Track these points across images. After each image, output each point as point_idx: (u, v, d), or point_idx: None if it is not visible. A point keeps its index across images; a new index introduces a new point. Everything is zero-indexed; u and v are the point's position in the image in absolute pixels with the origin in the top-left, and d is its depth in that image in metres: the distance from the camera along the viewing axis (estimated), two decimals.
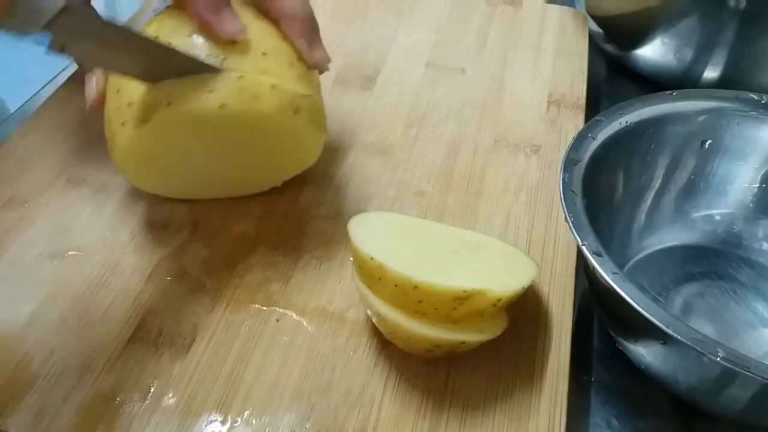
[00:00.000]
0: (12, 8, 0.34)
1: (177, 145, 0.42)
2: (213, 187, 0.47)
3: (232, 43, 0.40)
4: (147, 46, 0.39)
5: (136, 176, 0.44)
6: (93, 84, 0.43)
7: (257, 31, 0.42)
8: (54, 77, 0.61)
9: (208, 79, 0.39)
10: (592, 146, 0.42)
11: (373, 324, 0.40)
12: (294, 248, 0.45)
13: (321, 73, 0.44)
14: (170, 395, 0.38)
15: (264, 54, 0.41)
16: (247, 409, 0.37)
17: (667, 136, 0.46)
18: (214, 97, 0.39)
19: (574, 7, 0.68)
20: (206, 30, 0.40)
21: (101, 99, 0.43)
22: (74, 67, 0.58)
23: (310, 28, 0.43)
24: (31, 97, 0.60)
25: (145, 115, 0.40)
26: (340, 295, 0.43)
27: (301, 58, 0.43)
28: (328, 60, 0.44)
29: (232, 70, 0.40)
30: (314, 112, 0.43)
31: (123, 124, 0.40)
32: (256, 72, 0.40)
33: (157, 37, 0.40)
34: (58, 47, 0.36)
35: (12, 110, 0.60)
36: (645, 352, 0.38)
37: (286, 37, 0.43)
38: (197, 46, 0.40)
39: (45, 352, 0.39)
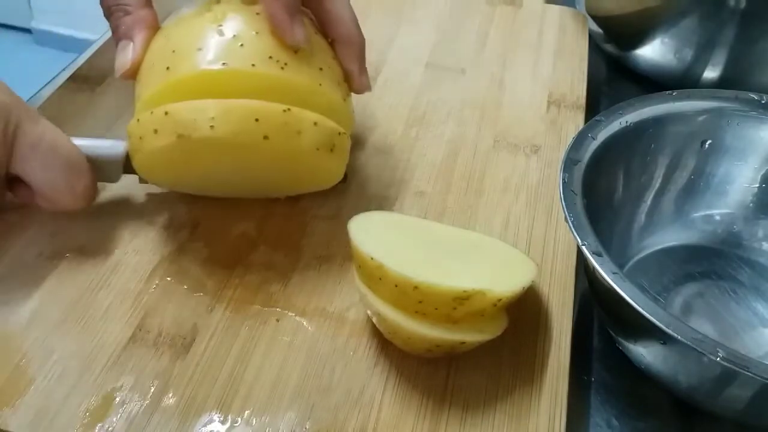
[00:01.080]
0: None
1: (206, 161, 0.42)
2: (224, 191, 0.47)
3: (294, 51, 0.41)
4: None
5: (151, 175, 0.44)
6: (129, 52, 0.42)
7: (315, 45, 0.42)
8: (54, 77, 0.61)
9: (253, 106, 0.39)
10: (592, 146, 0.42)
11: (373, 324, 0.40)
12: (294, 248, 0.45)
13: (359, 93, 0.46)
14: (170, 395, 0.38)
15: (321, 69, 0.42)
16: (247, 409, 0.37)
17: (667, 136, 0.46)
18: (258, 127, 0.39)
19: (574, 7, 0.68)
20: (275, 31, 0.40)
21: (135, 70, 0.42)
22: (74, 68, 0.58)
23: (362, 55, 0.45)
24: (31, 97, 0.60)
25: (183, 131, 0.39)
26: (340, 295, 0.43)
27: (347, 80, 0.44)
28: (370, 88, 0.46)
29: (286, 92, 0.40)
30: (346, 149, 0.44)
31: (156, 132, 0.40)
32: (312, 82, 0.41)
33: (220, 26, 0.40)
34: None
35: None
36: (645, 352, 0.38)
37: (336, 58, 0.44)
38: (262, 45, 0.40)
39: (45, 352, 0.39)
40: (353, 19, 0.45)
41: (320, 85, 0.41)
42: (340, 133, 0.42)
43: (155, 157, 0.41)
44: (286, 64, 0.40)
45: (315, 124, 0.41)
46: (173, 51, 0.41)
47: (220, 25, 0.40)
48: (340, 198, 0.49)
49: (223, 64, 0.39)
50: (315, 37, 0.43)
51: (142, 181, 0.46)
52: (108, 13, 0.44)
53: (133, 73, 0.42)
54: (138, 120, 0.41)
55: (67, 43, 1.94)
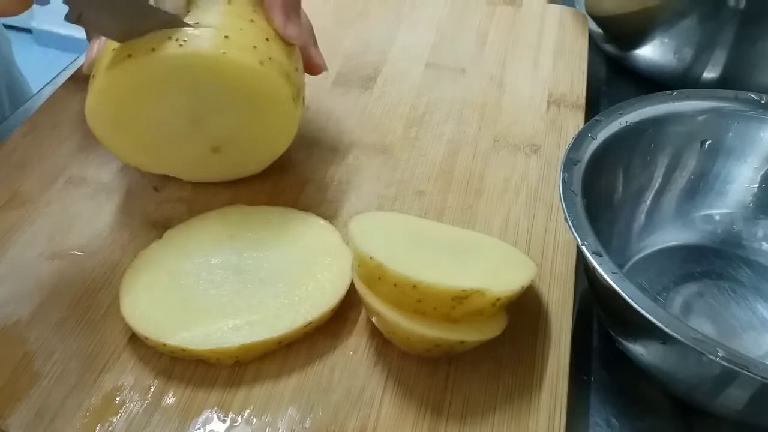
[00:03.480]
0: None
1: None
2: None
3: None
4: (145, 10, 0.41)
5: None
6: (95, 48, 0.46)
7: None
8: (54, 77, 0.61)
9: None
10: (592, 146, 0.42)
11: (372, 324, 0.40)
12: None
13: (290, 43, 0.45)
14: (170, 395, 0.38)
15: (241, 29, 0.42)
16: (247, 409, 0.37)
17: (667, 136, 0.46)
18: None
19: (574, 7, 0.68)
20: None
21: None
22: (74, 68, 0.58)
23: (286, 6, 0.44)
24: (31, 97, 0.60)
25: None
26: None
27: (277, 32, 0.44)
28: (300, 36, 0.45)
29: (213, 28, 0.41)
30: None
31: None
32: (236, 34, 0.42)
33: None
34: (75, 17, 0.39)
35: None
36: (645, 352, 0.38)
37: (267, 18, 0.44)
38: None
39: (45, 352, 0.39)
40: None
41: (223, 53, 0.41)
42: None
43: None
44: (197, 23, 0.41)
45: (254, 47, 0.42)
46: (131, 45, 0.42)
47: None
48: (340, 198, 0.49)
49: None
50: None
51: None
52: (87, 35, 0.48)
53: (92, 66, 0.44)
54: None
55: (67, 43, 1.94)
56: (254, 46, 0.42)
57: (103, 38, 0.44)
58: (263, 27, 0.44)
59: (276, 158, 0.48)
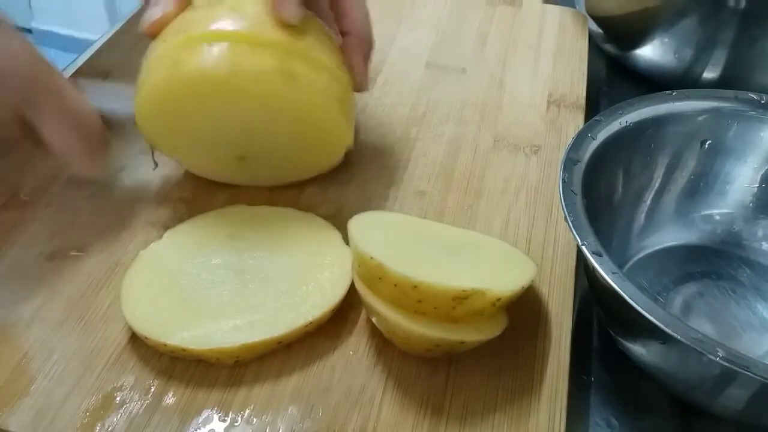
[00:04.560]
0: None
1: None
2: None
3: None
4: None
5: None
6: (158, 9, 0.43)
7: (318, 35, 0.44)
8: None
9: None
10: (592, 146, 0.42)
11: (372, 324, 0.40)
12: None
13: (358, 92, 0.47)
14: (170, 395, 0.38)
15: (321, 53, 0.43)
16: (247, 408, 0.37)
17: (667, 136, 0.46)
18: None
19: (574, 7, 0.68)
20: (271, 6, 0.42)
21: (159, 29, 0.43)
22: (74, 68, 0.58)
23: (367, 51, 0.47)
24: None
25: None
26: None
27: (350, 71, 0.45)
28: (368, 87, 0.48)
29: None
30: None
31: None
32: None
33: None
34: None
35: None
36: (645, 352, 0.38)
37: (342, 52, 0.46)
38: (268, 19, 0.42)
39: (45, 352, 0.39)
40: (365, 15, 0.46)
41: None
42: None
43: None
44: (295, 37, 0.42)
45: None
46: (189, 21, 0.42)
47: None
48: (340, 198, 0.49)
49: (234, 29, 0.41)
50: (322, 34, 0.44)
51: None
52: None
53: (156, 30, 0.43)
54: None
55: (67, 43, 1.94)
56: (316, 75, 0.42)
57: (166, 4, 0.43)
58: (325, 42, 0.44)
59: (325, 170, 0.49)
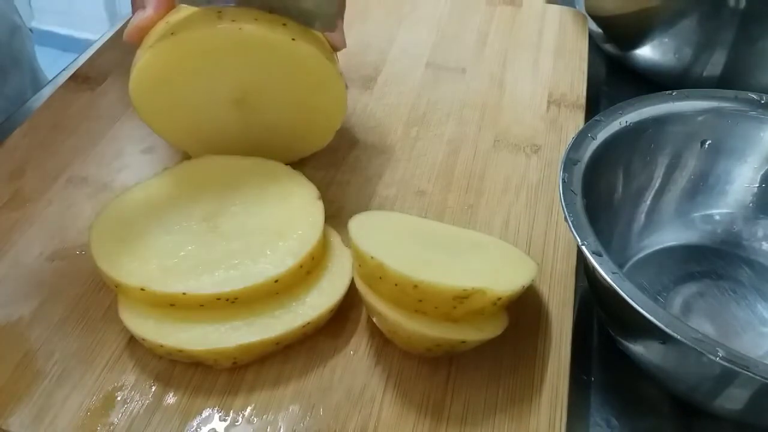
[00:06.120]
0: None
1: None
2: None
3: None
4: None
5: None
6: (143, 16, 0.44)
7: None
8: (54, 77, 0.61)
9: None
10: (592, 146, 0.42)
11: (373, 324, 0.40)
12: None
13: (336, 50, 0.48)
14: (171, 395, 0.38)
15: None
16: (248, 408, 0.37)
17: (667, 136, 0.46)
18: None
19: (574, 7, 0.68)
20: None
21: (142, 35, 0.44)
22: (74, 68, 0.58)
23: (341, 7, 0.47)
24: (31, 97, 0.60)
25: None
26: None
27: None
28: (345, 43, 0.48)
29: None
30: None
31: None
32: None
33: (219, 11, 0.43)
34: None
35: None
36: (645, 352, 0.38)
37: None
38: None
39: (46, 352, 0.39)
40: None
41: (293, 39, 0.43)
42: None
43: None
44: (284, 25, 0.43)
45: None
46: (176, 22, 0.43)
47: (220, 11, 0.43)
48: (340, 197, 0.49)
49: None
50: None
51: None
52: None
53: (140, 36, 0.44)
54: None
55: (67, 43, 1.94)
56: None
57: (149, 9, 0.44)
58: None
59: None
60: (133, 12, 0.46)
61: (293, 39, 0.43)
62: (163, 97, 0.45)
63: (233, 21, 0.42)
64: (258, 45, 0.43)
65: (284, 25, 0.43)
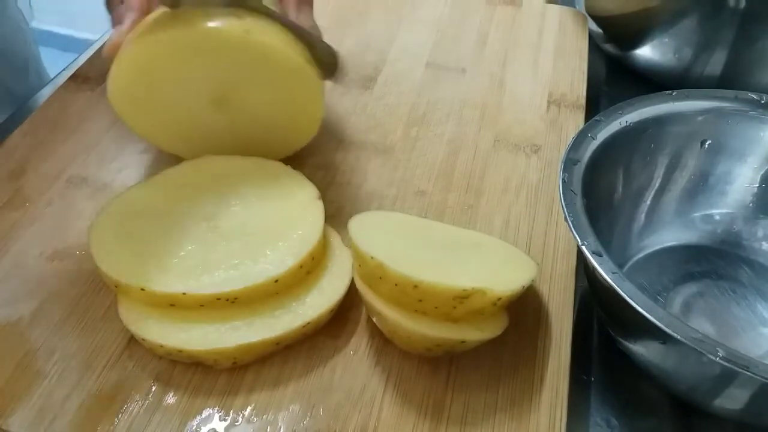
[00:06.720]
0: None
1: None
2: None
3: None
4: None
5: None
6: (120, 31, 0.44)
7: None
8: (54, 77, 0.61)
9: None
10: (592, 146, 0.42)
11: (373, 324, 0.40)
12: None
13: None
14: (171, 394, 0.38)
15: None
16: (248, 408, 0.37)
17: (667, 136, 0.46)
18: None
19: (574, 7, 0.68)
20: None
21: (117, 48, 0.44)
22: (74, 68, 0.58)
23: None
24: (31, 97, 0.60)
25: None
26: None
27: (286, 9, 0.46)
28: (315, 26, 0.47)
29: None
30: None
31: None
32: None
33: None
34: None
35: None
36: (645, 352, 0.38)
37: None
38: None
39: (46, 352, 0.39)
40: None
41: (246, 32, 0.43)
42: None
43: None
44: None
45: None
46: (146, 27, 0.44)
47: (186, 12, 0.43)
48: (340, 197, 0.49)
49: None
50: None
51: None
52: (109, 8, 0.47)
53: (114, 50, 0.44)
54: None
55: (67, 43, 1.94)
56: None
57: (126, 22, 0.44)
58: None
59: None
60: (113, 27, 0.46)
61: (246, 31, 0.42)
62: (141, 101, 0.45)
63: (195, 20, 0.42)
64: (219, 42, 0.43)
65: (239, 18, 0.43)
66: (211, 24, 0.42)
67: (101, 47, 0.45)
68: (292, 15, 0.46)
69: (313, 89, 0.46)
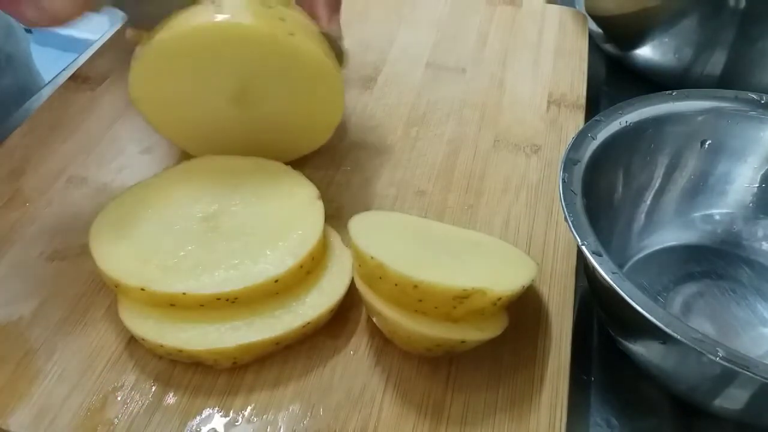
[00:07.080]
0: None
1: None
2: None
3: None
4: None
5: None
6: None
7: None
8: (54, 77, 0.61)
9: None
10: (592, 146, 0.42)
11: (373, 324, 0.40)
12: None
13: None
14: (171, 394, 0.38)
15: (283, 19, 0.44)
16: (248, 408, 0.37)
17: (667, 136, 0.46)
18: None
19: (574, 7, 0.68)
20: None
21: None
22: (74, 68, 0.58)
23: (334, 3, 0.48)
24: (31, 98, 0.60)
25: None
26: None
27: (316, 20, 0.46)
28: (341, 36, 0.47)
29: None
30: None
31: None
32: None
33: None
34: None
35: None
36: (645, 352, 0.38)
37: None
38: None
39: (46, 352, 0.39)
40: None
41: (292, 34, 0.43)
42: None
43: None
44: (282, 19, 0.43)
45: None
46: (175, 18, 0.43)
47: (219, 6, 0.43)
48: (340, 197, 0.49)
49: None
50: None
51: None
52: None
53: (139, 37, 0.44)
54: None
55: (67, 43, 1.94)
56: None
57: None
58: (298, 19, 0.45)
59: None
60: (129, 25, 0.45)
61: (291, 34, 0.43)
62: (161, 93, 0.45)
63: (231, 16, 0.42)
64: (256, 40, 0.43)
65: (282, 20, 0.43)
66: (251, 22, 0.42)
67: (123, 27, 0.45)
68: (324, 23, 0.46)
69: (337, 92, 0.46)
